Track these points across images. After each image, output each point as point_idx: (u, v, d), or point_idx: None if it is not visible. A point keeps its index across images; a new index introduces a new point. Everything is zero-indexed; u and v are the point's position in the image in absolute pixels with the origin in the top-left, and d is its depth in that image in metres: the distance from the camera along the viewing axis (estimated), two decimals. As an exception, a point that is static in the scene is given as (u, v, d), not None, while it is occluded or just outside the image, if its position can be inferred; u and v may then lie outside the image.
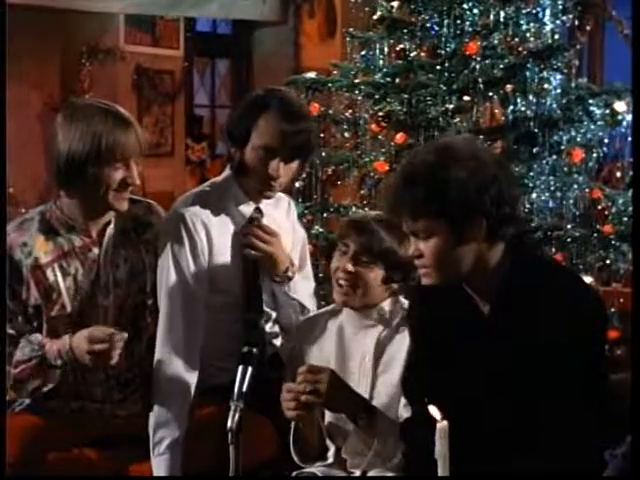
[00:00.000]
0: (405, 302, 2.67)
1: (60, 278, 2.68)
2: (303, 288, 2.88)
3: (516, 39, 4.01)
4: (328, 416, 2.57)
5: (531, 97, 3.93)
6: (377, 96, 4.10)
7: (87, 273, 2.70)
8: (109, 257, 2.72)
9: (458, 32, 3.94)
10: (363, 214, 2.77)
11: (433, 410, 1.70)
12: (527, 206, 3.90)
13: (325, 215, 4.22)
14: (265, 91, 2.77)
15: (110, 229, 2.73)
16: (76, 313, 2.69)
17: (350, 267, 2.57)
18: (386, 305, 2.62)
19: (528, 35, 4.02)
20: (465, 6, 3.94)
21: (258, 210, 2.80)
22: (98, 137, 2.59)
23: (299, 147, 2.70)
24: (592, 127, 3.99)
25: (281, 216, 2.90)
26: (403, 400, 2.52)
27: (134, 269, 2.75)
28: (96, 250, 2.71)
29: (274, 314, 2.85)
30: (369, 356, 2.59)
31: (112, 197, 2.65)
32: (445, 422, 1.67)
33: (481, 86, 3.85)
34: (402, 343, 2.57)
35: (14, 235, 2.69)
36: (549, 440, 2.07)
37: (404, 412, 2.50)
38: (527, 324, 2.12)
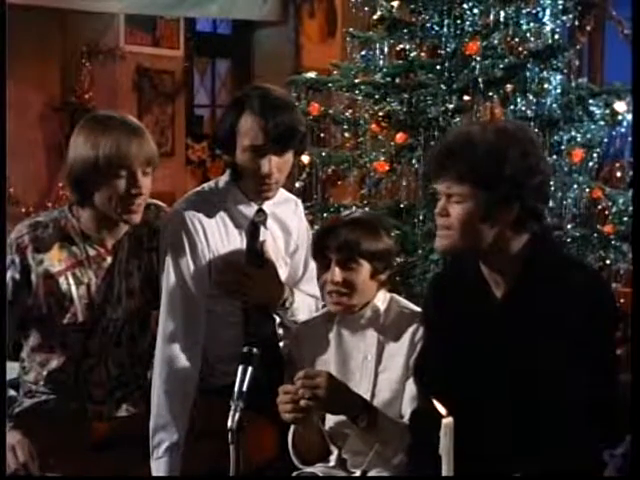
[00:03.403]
0: (401, 300, 2.68)
1: (73, 287, 2.67)
2: (303, 305, 2.85)
3: (516, 39, 4.01)
4: (329, 419, 2.57)
5: (531, 97, 3.93)
6: (377, 96, 4.10)
7: (101, 282, 2.69)
8: (123, 266, 2.71)
9: (458, 32, 3.94)
10: (332, 220, 2.73)
11: (438, 405, 1.70)
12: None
13: (325, 215, 4.21)
14: (242, 91, 2.76)
15: (125, 239, 2.72)
16: (88, 322, 2.68)
17: (338, 277, 2.55)
18: (380, 302, 2.62)
19: (528, 35, 4.02)
20: (465, 6, 3.94)
21: (261, 212, 2.78)
22: (98, 146, 2.57)
23: (286, 138, 2.66)
24: (592, 127, 3.99)
25: (287, 216, 2.88)
26: (405, 397, 2.53)
27: (148, 276, 2.74)
28: (110, 259, 2.70)
29: (277, 317, 2.84)
30: (371, 356, 2.59)
31: (120, 208, 2.61)
32: (450, 418, 1.67)
33: (481, 86, 3.84)
34: (402, 341, 2.57)
35: (27, 238, 2.66)
36: (553, 432, 2.10)
37: (407, 410, 2.51)
38: (538, 313, 2.16)
